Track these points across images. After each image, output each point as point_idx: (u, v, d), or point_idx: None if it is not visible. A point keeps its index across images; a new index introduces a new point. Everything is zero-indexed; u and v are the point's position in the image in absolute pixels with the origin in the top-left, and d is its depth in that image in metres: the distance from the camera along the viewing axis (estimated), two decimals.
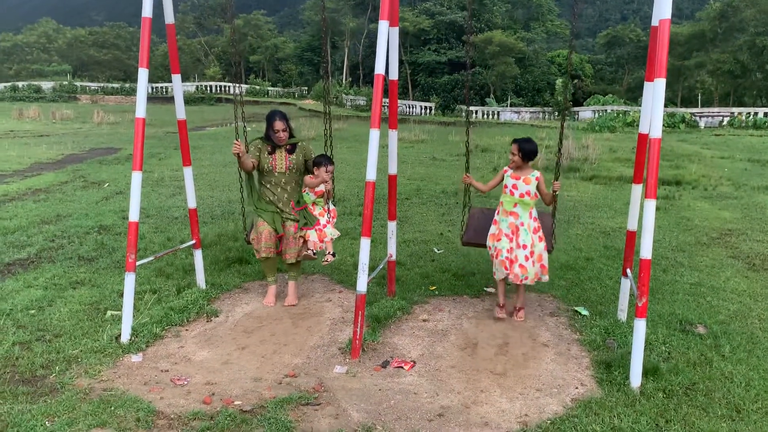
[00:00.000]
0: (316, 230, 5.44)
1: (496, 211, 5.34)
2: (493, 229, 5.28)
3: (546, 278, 5.22)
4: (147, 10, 4.56)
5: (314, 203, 5.56)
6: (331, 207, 5.64)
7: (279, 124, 5.43)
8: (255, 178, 5.63)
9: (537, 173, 5.17)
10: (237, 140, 5.14)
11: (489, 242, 5.28)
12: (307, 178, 5.50)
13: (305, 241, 5.41)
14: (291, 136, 5.56)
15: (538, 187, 5.15)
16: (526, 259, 5.08)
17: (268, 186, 5.48)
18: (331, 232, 5.55)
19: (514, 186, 5.15)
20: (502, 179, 5.27)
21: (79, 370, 4.10)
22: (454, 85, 46.96)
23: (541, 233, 5.18)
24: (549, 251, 5.25)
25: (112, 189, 10.91)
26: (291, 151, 5.51)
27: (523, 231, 5.11)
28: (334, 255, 5.58)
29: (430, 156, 16.65)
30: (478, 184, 5.50)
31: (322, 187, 5.49)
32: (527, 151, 5.13)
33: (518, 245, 5.09)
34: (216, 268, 6.34)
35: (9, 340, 4.47)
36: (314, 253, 5.46)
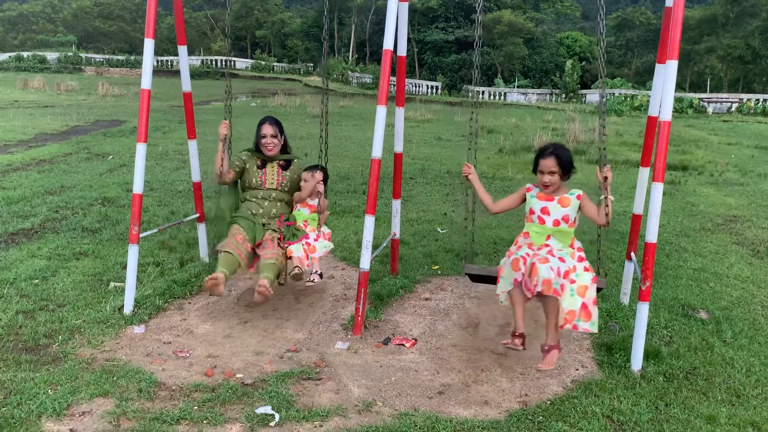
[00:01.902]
0: (302, 244, 4.66)
1: (515, 242, 3.94)
2: (507, 263, 3.77)
3: (592, 328, 3.59)
4: None
5: (306, 221, 4.87)
6: (326, 231, 4.89)
7: (268, 128, 4.80)
8: (237, 190, 5.00)
9: (578, 191, 3.84)
10: (225, 119, 4.84)
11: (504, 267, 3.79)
12: (296, 194, 4.88)
13: (289, 258, 4.62)
14: (285, 150, 4.99)
15: (581, 208, 3.84)
16: (559, 273, 3.56)
17: (253, 200, 4.80)
18: (324, 245, 4.78)
19: (544, 210, 3.77)
20: (524, 200, 3.94)
21: (81, 340, 4.12)
22: (461, 65, 46.56)
23: (587, 263, 3.71)
24: (600, 289, 3.69)
25: (116, 161, 10.89)
26: (285, 167, 4.91)
27: (563, 255, 3.71)
28: (321, 275, 4.79)
29: (436, 136, 16.56)
30: (483, 193, 4.07)
31: (315, 201, 4.87)
32: (568, 162, 3.73)
33: (551, 256, 3.66)
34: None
35: (12, 309, 4.50)
36: (302, 272, 4.58)
